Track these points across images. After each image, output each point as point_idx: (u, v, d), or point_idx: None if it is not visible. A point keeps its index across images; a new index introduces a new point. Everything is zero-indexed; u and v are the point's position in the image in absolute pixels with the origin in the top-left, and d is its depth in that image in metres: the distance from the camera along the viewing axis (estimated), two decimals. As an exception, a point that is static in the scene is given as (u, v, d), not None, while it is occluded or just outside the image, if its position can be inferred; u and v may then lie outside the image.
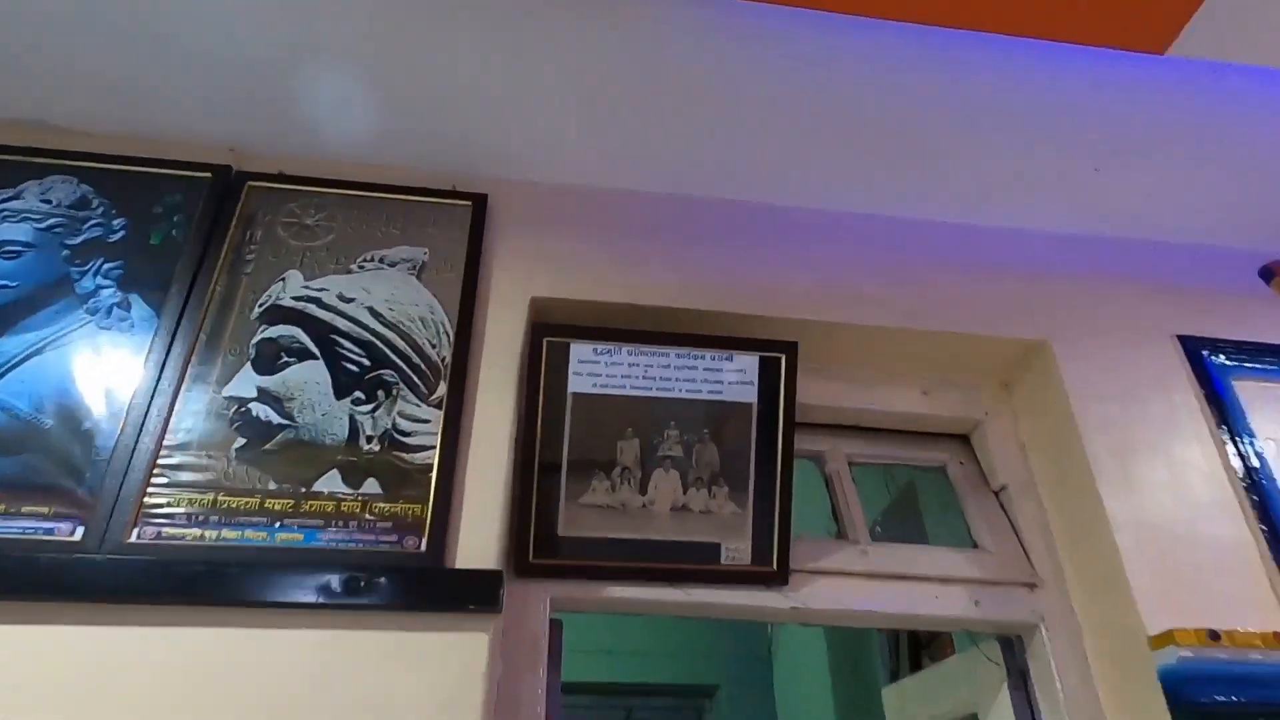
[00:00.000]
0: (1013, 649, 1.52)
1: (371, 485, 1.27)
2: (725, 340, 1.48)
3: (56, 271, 1.40)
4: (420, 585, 1.18)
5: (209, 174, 1.54)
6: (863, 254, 1.71)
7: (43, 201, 1.46)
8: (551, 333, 1.43)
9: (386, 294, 1.46)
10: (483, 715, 1.12)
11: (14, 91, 1.53)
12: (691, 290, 1.56)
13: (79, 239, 1.44)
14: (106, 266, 1.41)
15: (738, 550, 1.41)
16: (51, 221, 1.44)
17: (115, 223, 1.46)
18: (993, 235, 1.79)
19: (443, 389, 1.37)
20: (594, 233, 1.63)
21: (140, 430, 1.26)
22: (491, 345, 1.45)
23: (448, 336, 1.43)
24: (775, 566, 1.41)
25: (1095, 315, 1.69)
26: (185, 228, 1.47)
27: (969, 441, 1.74)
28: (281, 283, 1.45)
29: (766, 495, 1.43)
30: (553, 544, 1.37)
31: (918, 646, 2.53)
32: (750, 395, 1.46)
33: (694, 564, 1.40)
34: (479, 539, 1.25)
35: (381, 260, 1.51)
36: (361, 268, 1.49)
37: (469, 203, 1.60)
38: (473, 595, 1.18)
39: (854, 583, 1.47)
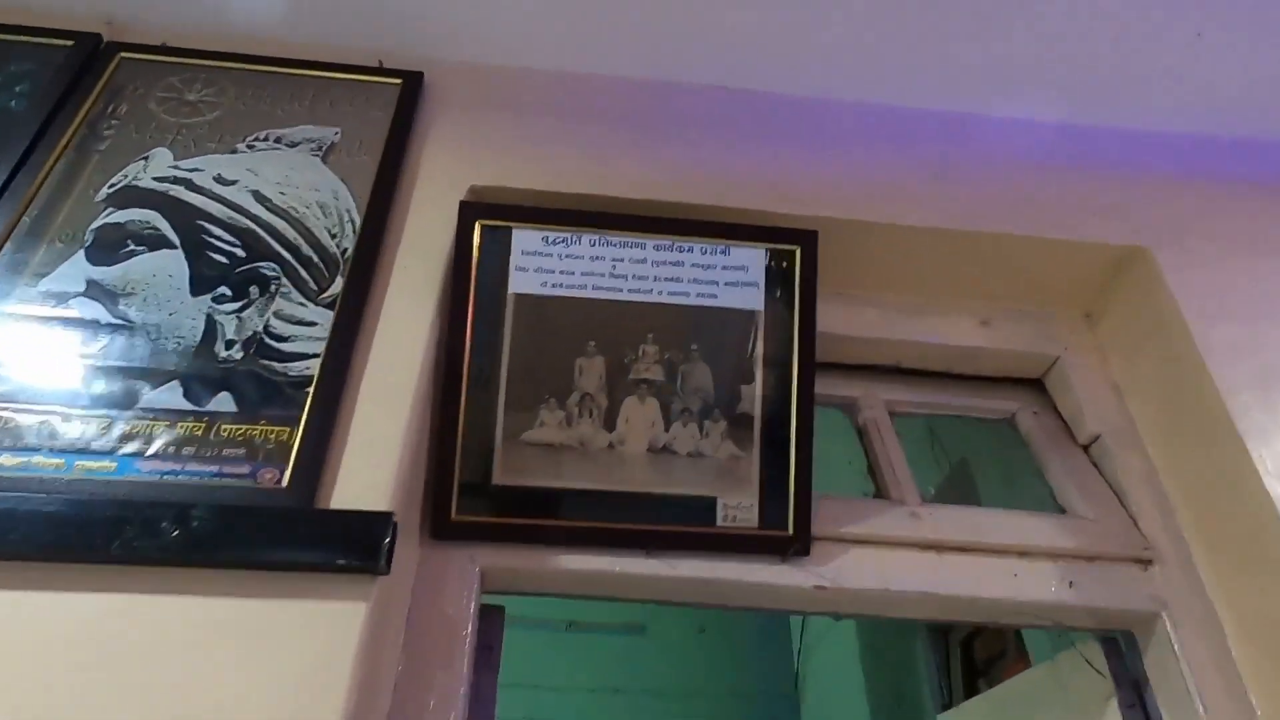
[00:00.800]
0: (1120, 651, 1.11)
1: (224, 401, 0.92)
2: (720, 229, 1.11)
3: None
4: (268, 532, 0.81)
5: (71, 41, 1.23)
6: (899, 148, 1.34)
7: None
8: (487, 215, 1.08)
9: (279, 176, 1.13)
10: (346, 718, 0.74)
11: None
12: (675, 183, 1.20)
13: (-111, 108, 1.12)
14: (-83, 138, 1.09)
15: (740, 507, 1.03)
16: None
17: (-60, 92, 1.15)
18: (1067, 132, 1.41)
19: (339, 286, 1.02)
20: (554, 118, 1.28)
21: (-85, 328, 0.92)
22: (413, 236, 1.10)
23: (353, 225, 1.08)
24: (792, 530, 1.03)
25: (1205, 220, 1.30)
26: (30, 99, 1.15)
27: (1042, 386, 1.34)
28: (143, 161, 1.12)
29: (778, 433, 1.05)
30: (485, 495, 1.00)
31: (974, 671, 2.09)
32: (755, 300, 1.09)
33: (679, 525, 1.02)
34: (368, 475, 0.89)
35: (279, 140, 1.17)
36: (251, 147, 1.16)
37: (399, 81, 1.26)
38: (345, 547, 0.81)
39: (901, 555, 1.08)
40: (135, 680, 0.74)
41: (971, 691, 1.87)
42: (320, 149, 1.17)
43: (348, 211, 1.10)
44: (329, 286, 1.02)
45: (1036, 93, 1.39)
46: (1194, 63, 1.32)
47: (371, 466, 0.89)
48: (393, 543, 0.82)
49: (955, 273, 1.31)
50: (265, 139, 1.17)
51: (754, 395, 1.06)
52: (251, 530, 0.81)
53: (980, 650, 2.18)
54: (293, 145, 1.17)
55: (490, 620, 1.03)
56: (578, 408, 1.04)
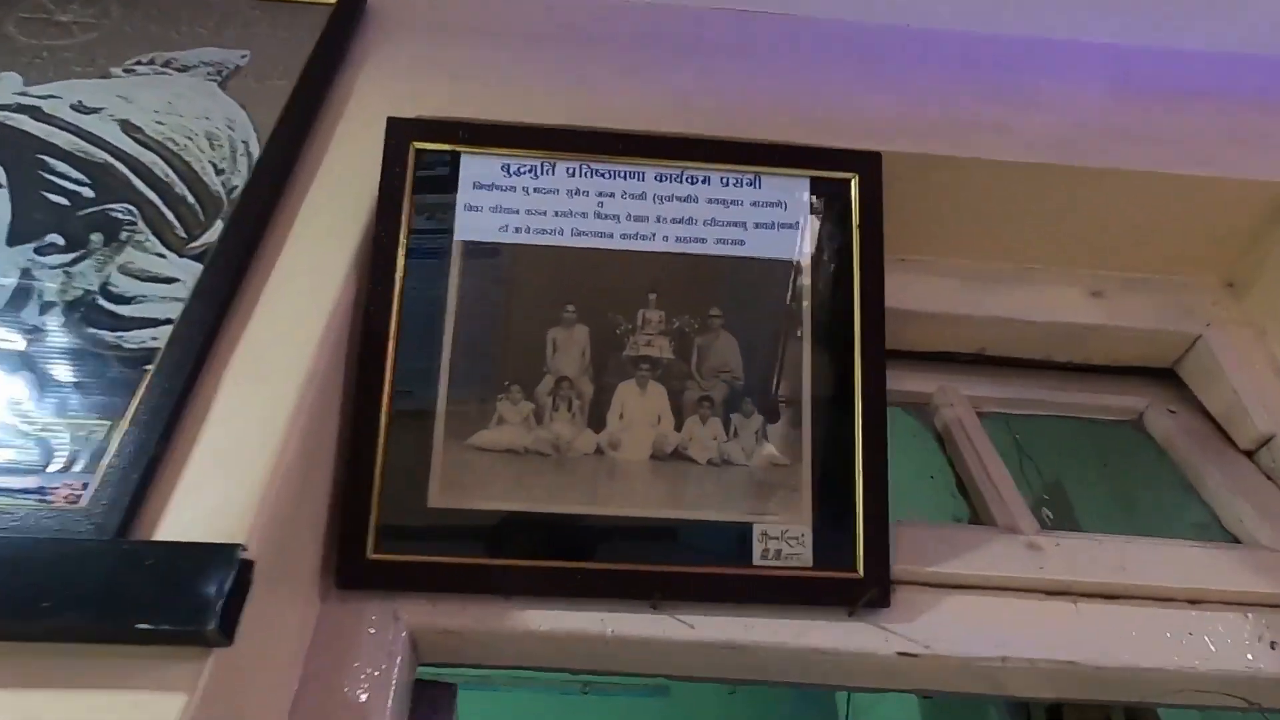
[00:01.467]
0: (1342, 743, 0.77)
1: (18, 383, 0.62)
2: (749, 151, 0.81)
3: None
4: (47, 579, 0.51)
5: (-83, -44, 0.97)
6: (979, 76, 1.04)
7: None
8: (427, 135, 0.78)
9: (159, 104, 0.85)
10: None
11: None
12: (683, 111, 0.90)
13: None
14: None
15: (785, 538, 0.71)
16: None
17: None
18: (1192, 58, 1.11)
19: (218, 231, 0.73)
20: (528, 44, 1.00)
21: None
22: (329, 173, 0.81)
23: (248, 159, 0.80)
24: (862, 570, 0.71)
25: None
26: None
27: (1174, 376, 1.02)
28: (-18, 87, 0.85)
29: (837, 429, 0.74)
30: (416, 525, 0.69)
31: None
32: (797, 247, 0.79)
33: (698, 564, 0.70)
34: (220, 494, 0.58)
35: (167, 64, 0.90)
36: (130, 71, 0.89)
37: (331, 2, 1.00)
38: (159, 600, 0.50)
39: (1020, 605, 0.75)
40: None
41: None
42: (220, 73, 0.89)
43: (244, 143, 0.82)
44: (202, 233, 0.73)
45: (1153, 10, 1.09)
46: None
47: (228, 481, 0.59)
48: (240, 592, 0.51)
49: (1056, 228, 1.00)
50: (150, 62, 0.90)
51: (801, 377, 0.75)
52: (17, 576, 0.51)
53: (1070, 718, 1.81)
54: (185, 69, 0.89)
55: (431, 706, 0.71)
56: (551, 398, 0.73)
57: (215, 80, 0.89)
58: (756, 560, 0.71)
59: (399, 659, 0.67)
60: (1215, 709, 0.73)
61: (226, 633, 0.50)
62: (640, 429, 0.73)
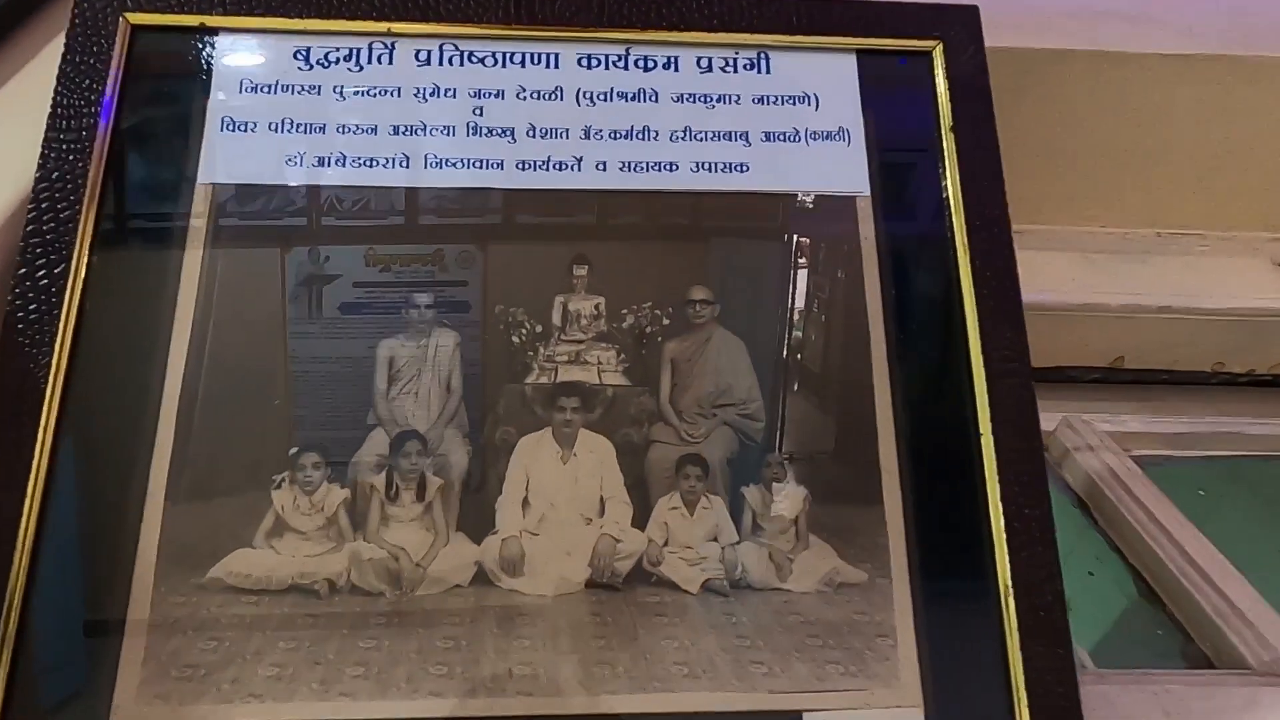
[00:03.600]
0: None
1: None
2: (745, 8, 0.46)
3: None
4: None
5: None
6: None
7: None
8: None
9: None
10: None
11: None
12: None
13: None
14: None
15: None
16: None
17: None
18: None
19: None
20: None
21: None
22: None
23: None
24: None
25: None
26: None
27: None
28: None
29: (947, 488, 0.37)
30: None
31: None
32: (851, 174, 0.43)
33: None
34: None
35: None
36: None
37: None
38: None
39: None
40: None
41: None
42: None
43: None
44: None
45: None
46: None
47: None
48: None
49: (1225, 175, 0.65)
50: None
51: (873, 402, 0.39)
52: None
53: None
54: None
55: None
56: (383, 477, 0.37)
57: None
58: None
59: None
60: None
61: None
62: (567, 522, 0.36)
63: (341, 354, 0.39)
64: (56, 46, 0.41)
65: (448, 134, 0.42)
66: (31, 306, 0.37)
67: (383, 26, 0.43)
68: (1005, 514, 0.38)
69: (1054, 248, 0.65)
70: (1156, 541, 0.53)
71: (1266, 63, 0.61)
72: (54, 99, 0.40)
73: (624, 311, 0.40)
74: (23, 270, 0.37)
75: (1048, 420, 0.64)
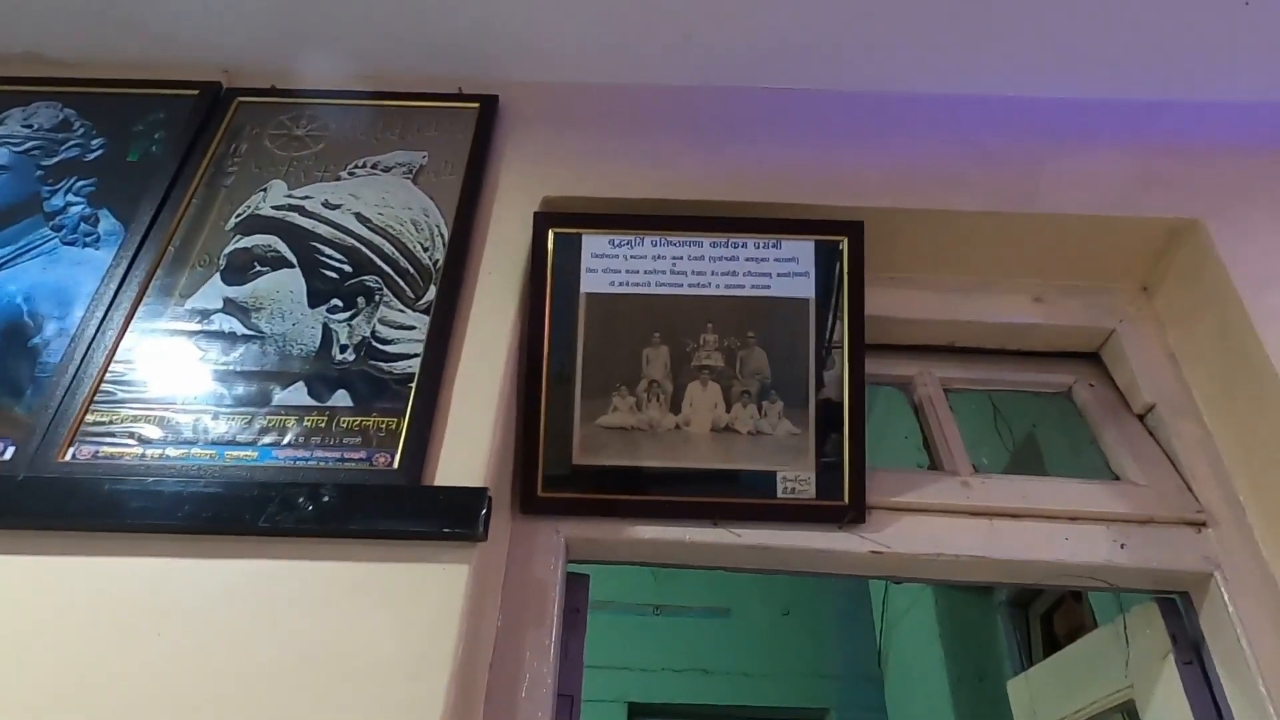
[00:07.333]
0: (1178, 611, 1.16)
1: (341, 397, 1.07)
2: (771, 224, 1.20)
3: (27, 191, 1.28)
4: (386, 506, 0.95)
5: (196, 91, 1.41)
6: (945, 136, 1.40)
7: (24, 126, 1.36)
8: (559, 224, 1.20)
9: (377, 199, 1.27)
10: (456, 663, 0.87)
11: (3, 23, 1.45)
12: (731, 182, 1.29)
13: (54, 159, 1.32)
14: (79, 184, 1.29)
15: (798, 480, 1.12)
16: (29, 145, 1.34)
17: (94, 142, 1.34)
18: (1116, 109, 1.44)
19: (432, 293, 1.16)
20: (616, 129, 1.39)
21: (91, 345, 1.10)
22: (494, 246, 1.23)
23: (442, 239, 1.22)
24: (848, 499, 1.11)
25: (1256, 190, 1.31)
26: (166, 144, 1.34)
27: (1099, 359, 1.38)
28: (263, 193, 1.28)
29: (832, 411, 1.14)
30: (566, 474, 1.13)
31: (1054, 645, 2.11)
32: (806, 289, 1.18)
33: (741, 497, 1.12)
34: (464, 457, 1.02)
35: (374, 166, 1.32)
36: (352, 174, 1.31)
37: (476, 104, 1.40)
38: (449, 517, 0.94)
39: (952, 522, 1.15)
40: (280, 629, 0.89)
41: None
42: (410, 172, 1.31)
43: (437, 226, 1.24)
44: (424, 295, 1.16)
45: (1079, 70, 1.42)
46: (1241, 32, 1.33)
47: (467, 451, 1.02)
48: (488, 514, 0.95)
49: (1007, 253, 1.36)
50: (363, 166, 1.32)
51: (808, 377, 1.15)
52: (372, 505, 0.96)
53: (1060, 624, 2.20)
54: (387, 170, 1.32)
55: (576, 586, 1.15)
56: (646, 394, 1.15)
57: (409, 178, 1.31)
58: (780, 494, 1.12)
59: (560, 556, 1.10)
60: (1085, 589, 1.12)
61: (485, 534, 0.94)
62: (703, 412, 1.14)
63: (633, 353, 1.17)
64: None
65: (663, 274, 1.18)
66: (533, 338, 1.15)
67: (639, 233, 1.18)
68: (849, 414, 1.15)
69: (919, 288, 1.36)
70: (934, 424, 1.29)
71: (1024, 216, 1.30)
72: (530, 257, 1.17)
73: (724, 340, 1.17)
74: (531, 321, 1.15)
75: (910, 370, 1.39)
